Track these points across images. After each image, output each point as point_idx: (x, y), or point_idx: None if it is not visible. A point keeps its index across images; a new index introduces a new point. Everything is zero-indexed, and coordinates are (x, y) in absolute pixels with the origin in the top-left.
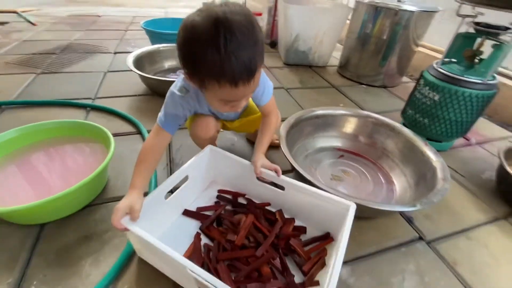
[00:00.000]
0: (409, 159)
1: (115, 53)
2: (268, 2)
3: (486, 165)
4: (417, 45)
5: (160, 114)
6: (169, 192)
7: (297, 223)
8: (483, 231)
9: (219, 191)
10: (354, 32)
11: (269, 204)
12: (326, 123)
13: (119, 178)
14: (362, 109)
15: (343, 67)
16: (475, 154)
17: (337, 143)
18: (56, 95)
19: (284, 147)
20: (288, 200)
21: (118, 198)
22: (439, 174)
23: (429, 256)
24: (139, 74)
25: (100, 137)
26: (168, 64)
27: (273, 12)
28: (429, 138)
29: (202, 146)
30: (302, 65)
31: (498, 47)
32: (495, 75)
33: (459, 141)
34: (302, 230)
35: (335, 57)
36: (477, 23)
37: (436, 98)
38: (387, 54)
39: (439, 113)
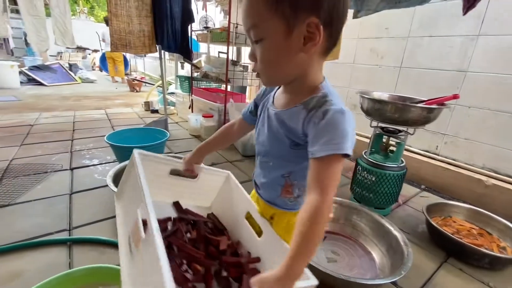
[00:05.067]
0: (376, 232)
1: (72, 169)
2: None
3: (416, 220)
4: None
5: None
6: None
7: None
8: (438, 276)
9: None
10: None
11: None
12: None
13: None
14: None
15: None
16: (405, 212)
17: None
18: (16, 234)
19: None
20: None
21: None
22: (401, 240)
23: None
24: None
25: None
26: None
27: (223, 112)
28: (376, 207)
29: None
30: None
31: (399, 144)
32: (402, 159)
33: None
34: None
35: None
36: (382, 128)
37: (374, 179)
38: None
39: (378, 189)
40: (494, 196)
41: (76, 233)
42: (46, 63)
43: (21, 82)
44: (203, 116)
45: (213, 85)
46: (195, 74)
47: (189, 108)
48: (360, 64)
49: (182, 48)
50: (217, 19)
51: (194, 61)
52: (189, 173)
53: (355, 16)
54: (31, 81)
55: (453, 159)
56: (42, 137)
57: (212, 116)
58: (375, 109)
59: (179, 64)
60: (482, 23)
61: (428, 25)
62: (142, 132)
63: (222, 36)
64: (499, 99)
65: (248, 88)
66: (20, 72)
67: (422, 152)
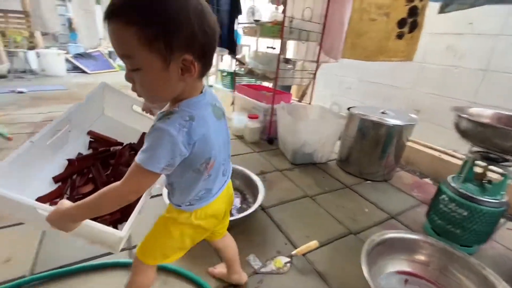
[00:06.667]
0: (476, 284)
1: None
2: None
3: (511, 262)
4: (408, 141)
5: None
6: None
7: None
8: None
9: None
10: (350, 135)
11: None
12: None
13: None
14: (382, 210)
15: (344, 162)
16: (495, 250)
17: (400, 266)
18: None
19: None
20: None
21: None
22: None
23: None
24: None
25: None
26: None
27: (270, 113)
28: (462, 245)
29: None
30: (308, 163)
31: (505, 176)
32: (503, 193)
33: None
34: None
35: (334, 151)
36: (481, 153)
37: (465, 214)
38: (385, 150)
39: (469, 226)
40: None
41: None
42: (87, 51)
43: (67, 70)
44: (248, 117)
45: (253, 80)
46: (237, 69)
47: (231, 104)
48: (430, 63)
49: (228, 42)
50: (264, 9)
51: (238, 56)
52: (147, 112)
53: (441, 11)
54: (76, 68)
55: None
56: None
57: (257, 117)
58: (477, 131)
59: (219, 57)
60: None
61: None
62: None
63: (273, 30)
64: None
65: (293, 87)
66: (66, 60)
67: None
